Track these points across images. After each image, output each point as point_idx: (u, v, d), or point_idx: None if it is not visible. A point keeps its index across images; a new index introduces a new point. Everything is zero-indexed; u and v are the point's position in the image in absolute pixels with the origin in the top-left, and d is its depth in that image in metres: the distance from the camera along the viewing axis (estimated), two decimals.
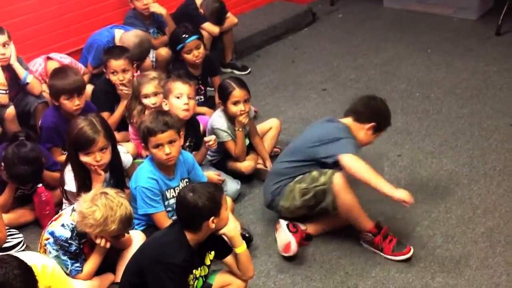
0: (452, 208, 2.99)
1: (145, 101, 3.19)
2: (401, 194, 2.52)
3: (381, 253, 2.70)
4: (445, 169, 3.28)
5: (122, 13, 4.04)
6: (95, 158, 2.61)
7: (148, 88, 3.19)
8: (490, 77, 4.20)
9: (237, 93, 3.09)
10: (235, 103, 3.09)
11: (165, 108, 2.99)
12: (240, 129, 3.15)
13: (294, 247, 2.67)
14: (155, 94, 3.18)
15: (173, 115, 2.78)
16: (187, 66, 3.72)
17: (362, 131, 2.75)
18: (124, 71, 3.34)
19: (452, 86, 4.12)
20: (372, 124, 2.73)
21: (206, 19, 4.12)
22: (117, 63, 3.33)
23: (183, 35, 3.65)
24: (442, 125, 3.68)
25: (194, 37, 3.66)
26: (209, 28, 4.13)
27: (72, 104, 3.02)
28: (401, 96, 4.03)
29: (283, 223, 2.74)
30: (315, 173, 2.68)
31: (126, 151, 2.93)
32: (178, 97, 2.99)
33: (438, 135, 3.59)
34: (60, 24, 3.81)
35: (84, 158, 2.62)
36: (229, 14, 4.30)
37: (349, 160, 2.57)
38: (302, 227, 2.79)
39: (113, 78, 3.35)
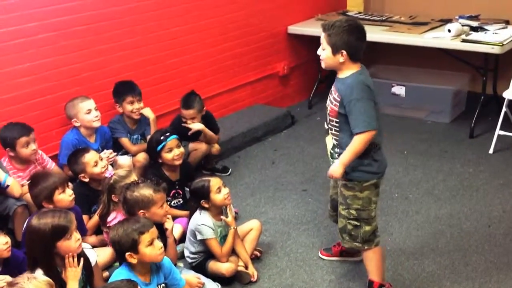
0: None
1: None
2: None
3: None
4: (427, 271, 3.26)
5: (107, 116, 4.06)
6: (76, 238, 2.58)
7: (132, 178, 3.20)
8: (466, 179, 4.28)
9: (214, 181, 3.16)
10: (217, 190, 3.15)
11: None
12: (234, 227, 3.17)
13: None
14: None
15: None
16: (163, 171, 3.75)
17: None
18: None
19: (429, 187, 4.18)
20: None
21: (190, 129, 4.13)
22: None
23: (163, 136, 3.72)
24: (422, 226, 3.70)
25: (174, 136, 3.74)
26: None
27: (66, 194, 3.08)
28: (381, 197, 4.02)
29: None
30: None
31: (90, 247, 2.91)
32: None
33: (418, 236, 3.60)
34: (43, 128, 3.85)
35: (64, 243, 2.55)
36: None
37: None
38: None
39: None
